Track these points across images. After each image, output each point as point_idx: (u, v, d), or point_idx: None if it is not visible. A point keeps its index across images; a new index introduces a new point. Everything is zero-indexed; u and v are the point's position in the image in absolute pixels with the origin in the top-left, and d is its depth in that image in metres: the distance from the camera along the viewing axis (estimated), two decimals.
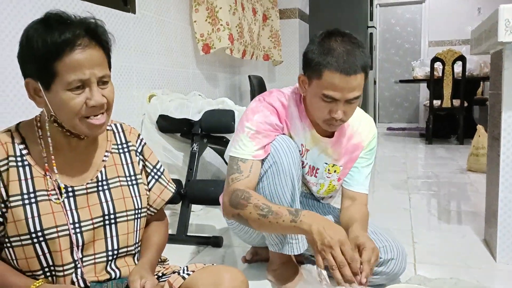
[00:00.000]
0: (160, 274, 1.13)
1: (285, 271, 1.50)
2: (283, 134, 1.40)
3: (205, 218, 2.41)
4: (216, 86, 3.36)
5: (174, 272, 1.10)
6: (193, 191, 2.03)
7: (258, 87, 3.59)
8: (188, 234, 2.01)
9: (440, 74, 5.11)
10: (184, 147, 2.38)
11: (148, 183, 1.16)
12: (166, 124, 2.26)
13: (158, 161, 1.20)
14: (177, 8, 2.74)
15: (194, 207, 2.29)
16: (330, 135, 1.47)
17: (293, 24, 4.53)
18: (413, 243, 1.95)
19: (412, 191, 2.95)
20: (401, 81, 6.01)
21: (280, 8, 4.38)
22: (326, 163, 1.49)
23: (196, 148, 2.17)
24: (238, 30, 3.32)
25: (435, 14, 7.05)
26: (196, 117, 2.17)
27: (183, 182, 2.11)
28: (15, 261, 0.98)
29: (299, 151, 1.41)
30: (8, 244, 0.97)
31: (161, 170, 1.20)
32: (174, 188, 1.22)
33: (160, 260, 1.20)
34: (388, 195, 2.86)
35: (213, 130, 2.20)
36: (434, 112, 5.26)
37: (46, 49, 0.91)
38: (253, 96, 3.50)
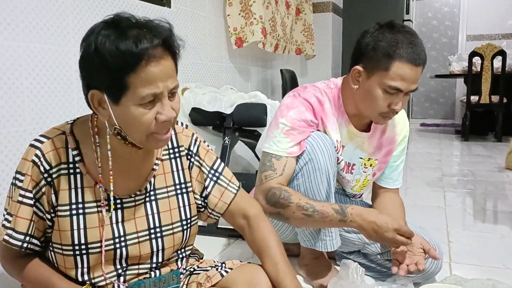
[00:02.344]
0: (195, 267, 1.12)
1: (317, 266, 1.49)
2: (318, 130, 1.38)
3: None
4: (248, 80, 3.36)
5: (212, 267, 1.09)
6: None
7: (290, 81, 3.57)
8: (219, 226, 2.03)
9: (479, 69, 4.94)
10: (216, 140, 2.40)
11: (207, 186, 1.09)
12: (199, 117, 2.28)
13: (216, 159, 1.12)
14: (211, 2, 2.75)
15: None
16: (367, 129, 1.45)
17: (326, 18, 4.47)
18: (448, 242, 1.90)
19: (447, 189, 2.87)
20: (437, 76, 5.84)
21: (314, 2, 4.33)
22: (361, 158, 1.47)
23: (228, 141, 2.18)
24: (271, 24, 3.30)
25: (474, 8, 6.80)
26: (228, 111, 2.18)
27: None
28: (55, 264, 0.98)
29: (335, 147, 1.39)
30: (50, 248, 0.97)
31: (219, 170, 1.11)
32: (237, 187, 1.13)
33: (197, 258, 1.19)
34: (422, 193, 2.79)
35: (245, 123, 2.20)
36: (471, 108, 5.09)
37: (119, 60, 0.81)
38: (284, 90, 3.48)
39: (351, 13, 4.38)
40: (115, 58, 0.81)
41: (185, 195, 1.05)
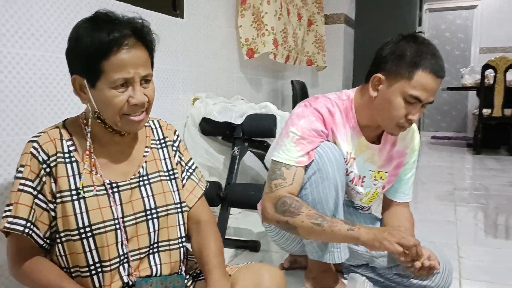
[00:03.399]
0: (198, 272, 1.15)
1: (325, 279, 1.48)
2: (328, 141, 1.38)
3: (244, 221, 2.42)
4: (259, 90, 3.37)
5: None
6: (233, 194, 2.05)
7: (300, 92, 3.58)
8: (226, 237, 2.03)
9: (491, 82, 4.90)
10: (225, 150, 2.41)
11: (183, 179, 1.16)
12: (209, 127, 2.29)
13: (191, 158, 1.22)
14: (223, 13, 2.78)
15: (232, 210, 2.31)
16: (377, 141, 1.44)
17: (338, 30, 4.47)
18: (458, 257, 1.87)
19: (459, 203, 2.83)
20: (449, 89, 5.80)
21: (326, 13, 4.34)
22: (371, 171, 1.46)
23: (237, 152, 2.18)
24: (282, 35, 3.32)
25: (488, 20, 6.77)
26: (238, 121, 2.19)
27: (223, 185, 2.13)
28: (64, 257, 1.00)
29: (344, 158, 1.39)
30: (58, 240, 1.00)
31: (193, 167, 1.21)
32: (205, 186, 1.22)
33: None
34: (433, 207, 2.76)
35: (255, 134, 2.21)
36: (483, 121, 5.04)
37: (94, 47, 0.93)
38: (295, 101, 3.49)
39: (363, 25, 4.39)
40: (91, 46, 0.93)
41: (173, 181, 1.13)
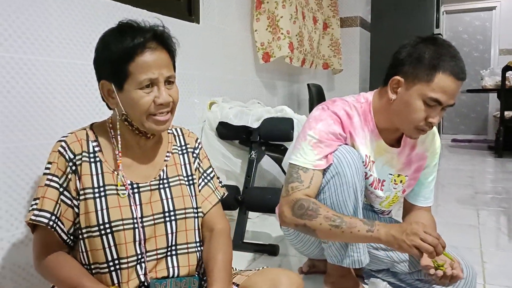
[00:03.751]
0: None
1: (344, 284, 1.45)
2: (346, 144, 1.36)
3: (262, 225, 2.41)
4: (275, 94, 3.37)
5: (234, 274, 1.13)
6: (251, 198, 2.04)
7: (316, 95, 3.56)
8: (245, 241, 2.02)
9: None
10: (242, 154, 2.40)
11: (199, 185, 1.20)
12: (225, 131, 2.29)
13: (210, 166, 1.25)
14: (238, 17, 2.79)
15: (250, 214, 2.30)
16: (396, 144, 1.42)
17: (354, 33, 4.45)
18: (482, 262, 1.83)
19: (481, 207, 2.77)
20: (468, 91, 5.71)
21: (341, 17, 4.32)
22: (391, 174, 1.44)
23: (254, 156, 2.18)
24: (298, 38, 3.31)
25: (507, 21, 6.65)
26: (255, 125, 2.18)
27: (241, 189, 2.12)
28: (85, 253, 1.04)
29: (363, 162, 1.37)
30: (80, 237, 1.04)
31: (211, 175, 1.24)
32: (221, 195, 1.24)
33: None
34: (454, 211, 2.70)
35: (272, 138, 2.20)
36: (505, 124, 4.93)
37: (120, 52, 1.00)
38: (311, 105, 3.47)
39: (379, 27, 4.35)
40: (117, 51, 1.01)
41: (191, 186, 1.16)
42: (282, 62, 3.21)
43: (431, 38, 1.29)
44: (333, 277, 1.47)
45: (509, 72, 4.80)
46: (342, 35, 4.26)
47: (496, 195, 3.14)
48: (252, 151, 2.19)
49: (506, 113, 4.88)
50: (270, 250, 1.95)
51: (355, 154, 1.33)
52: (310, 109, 3.45)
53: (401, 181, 1.46)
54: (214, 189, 1.22)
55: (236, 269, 1.15)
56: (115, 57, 1.01)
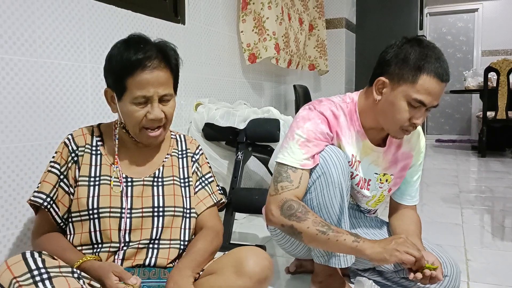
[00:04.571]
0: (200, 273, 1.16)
1: (331, 283, 1.46)
2: (332, 144, 1.37)
3: (248, 226, 2.41)
4: (262, 95, 3.37)
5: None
6: (237, 199, 2.03)
7: (303, 96, 3.57)
8: (232, 242, 2.01)
9: (495, 85, 4.88)
10: (229, 155, 2.40)
11: (195, 187, 1.24)
12: (212, 132, 2.28)
13: (209, 172, 1.29)
14: (224, 18, 2.79)
15: (237, 215, 2.30)
16: (382, 144, 1.43)
17: (339, 34, 4.48)
18: (466, 260, 1.85)
19: (465, 206, 2.81)
20: (452, 92, 5.79)
21: (327, 18, 4.35)
22: (377, 173, 1.45)
23: (241, 157, 2.17)
24: (284, 40, 3.32)
25: (489, 23, 6.77)
26: (241, 126, 2.18)
27: (227, 190, 2.11)
28: (72, 236, 1.11)
29: (349, 161, 1.38)
30: (70, 220, 1.12)
31: (209, 180, 1.28)
32: (217, 200, 1.28)
33: None
34: (439, 209, 2.74)
35: (258, 138, 2.20)
36: (487, 124, 5.02)
37: (121, 65, 1.06)
38: (297, 105, 3.48)
39: (364, 29, 4.40)
40: (119, 63, 1.06)
41: (187, 188, 1.20)
42: (268, 63, 3.21)
43: (417, 39, 1.29)
44: (320, 277, 1.48)
45: (491, 73, 4.89)
46: (327, 36, 4.29)
47: (480, 194, 3.18)
48: (239, 152, 2.19)
49: (488, 113, 4.96)
50: None
51: (341, 154, 1.34)
52: (297, 110, 3.46)
53: (386, 180, 1.47)
54: (210, 193, 1.26)
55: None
56: (117, 69, 1.07)
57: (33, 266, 0.87)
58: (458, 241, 2.11)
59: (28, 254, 0.89)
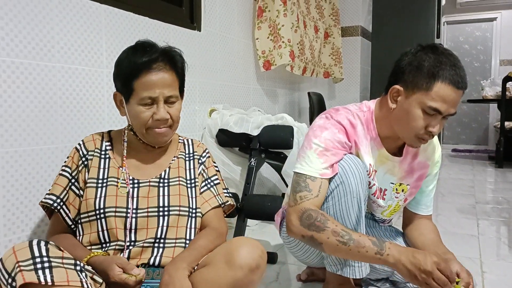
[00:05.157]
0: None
1: None
2: (351, 153, 1.36)
3: (260, 233, 2.40)
4: (276, 102, 3.37)
5: None
6: (250, 206, 2.03)
7: (317, 104, 3.56)
8: None
9: None
10: (242, 162, 2.40)
11: (201, 188, 1.27)
12: (225, 138, 2.29)
13: (216, 175, 1.32)
14: (240, 25, 2.81)
15: (249, 221, 2.29)
16: (398, 153, 1.42)
17: (355, 42, 4.47)
18: (482, 272, 1.81)
19: (481, 217, 2.76)
20: (469, 101, 5.72)
21: (343, 26, 4.34)
22: (392, 183, 1.43)
23: (254, 163, 2.17)
24: (299, 47, 3.32)
25: (508, 32, 6.68)
26: (255, 132, 2.18)
27: (240, 196, 2.11)
28: (82, 236, 1.15)
29: (367, 171, 1.36)
30: (79, 221, 1.16)
31: (215, 182, 1.30)
32: (223, 201, 1.29)
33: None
34: (454, 220, 2.69)
35: (271, 145, 2.20)
36: (505, 134, 4.93)
37: (129, 68, 1.11)
38: (312, 113, 3.47)
39: (380, 37, 4.37)
40: (127, 67, 1.12)
41: (192, 189, 1.23)
42: (283, 70, 3.22)
43: (432, 46, 1.28)
44: (332, 286, 1.46)
45: (510, 82, 4.81)
46: (343, 44, 4.28)
47: (496, 205, 3.12)
48: (252, 159, 2.19)
49: (506, 123, 4.88)
50: (269, 258, 1.92)
51: (360, 164, 1.32)
52: (311, 117, 3.45)
53: (402, 190, 1.45)
54: (216, 194, 1.28)
55: None
56: (124, 72, 1.12)
57: (36, 254, 0.88)
58: (473, 252, 2.07)
59: (34, 242, 0.91)
